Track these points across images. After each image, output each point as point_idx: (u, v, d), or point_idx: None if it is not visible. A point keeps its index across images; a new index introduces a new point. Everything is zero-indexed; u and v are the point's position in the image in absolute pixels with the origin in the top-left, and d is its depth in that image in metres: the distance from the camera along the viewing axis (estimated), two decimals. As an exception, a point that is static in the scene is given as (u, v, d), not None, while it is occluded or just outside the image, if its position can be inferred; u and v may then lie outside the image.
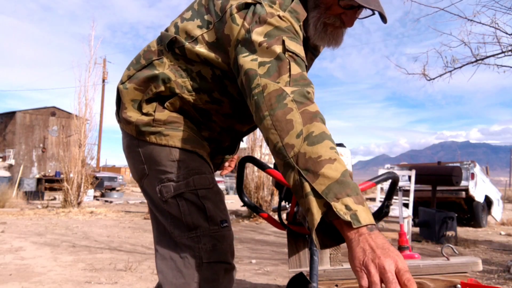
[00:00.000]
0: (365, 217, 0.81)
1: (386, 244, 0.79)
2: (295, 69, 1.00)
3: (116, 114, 1.33)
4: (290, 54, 1.02)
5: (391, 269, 0.75)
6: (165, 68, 1.19)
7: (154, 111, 1.20)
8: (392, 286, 0.73)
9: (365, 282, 0.77)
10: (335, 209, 0.81)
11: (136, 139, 1.23)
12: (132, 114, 1.22)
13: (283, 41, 1.03)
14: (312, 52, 1.33)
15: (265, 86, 0.96)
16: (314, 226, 0.84)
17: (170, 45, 1.20)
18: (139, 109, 1.21)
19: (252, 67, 1.01)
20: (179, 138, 1.19)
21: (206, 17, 1.19)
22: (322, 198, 0.83)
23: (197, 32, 1.18)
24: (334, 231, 0.89)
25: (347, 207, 0.81)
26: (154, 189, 1.20)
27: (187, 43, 1.18)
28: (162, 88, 1.19)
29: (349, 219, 0.80)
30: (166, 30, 1.27)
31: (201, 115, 1.24)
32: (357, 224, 0.80)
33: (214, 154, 1.39)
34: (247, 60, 1.03)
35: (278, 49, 1.01)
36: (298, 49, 1.04)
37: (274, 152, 0.93)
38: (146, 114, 1.20)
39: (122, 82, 1.26)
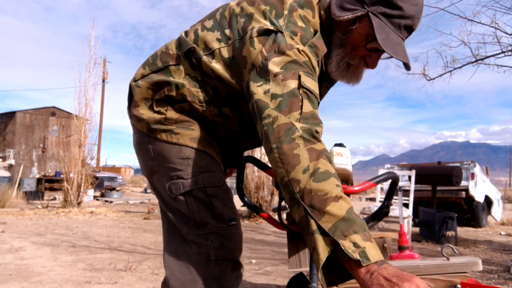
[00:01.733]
0: (374, 254, 0.80)
1: (398, 272, 0.78)
2: (307, 107, 0.99)
3: (128, 110, 1.34)
4: (305, 90, 1.00)
5: None
6: (181, 76, 1.19)
7: (166, 110, 1.20)
8: None
9: None
10: (343, 247, 0.80)
11: (146, 136, 1.23)
12: (144, 112, 1.22)
13: (299, 76, 1.01)
14: (328, 80, 1.30)
15: (276, 118, 0.96)
16: (320, 265, 0.83)
17: (188, 54, 1.20)
18: (151, 107, 1.22)
19: (263, 99, 1.00)
20: (189, 137, 1.20)
21: (227, 31, 1.17)
22: (329, 236, 0.83)
23: (215, 45, 1.17)
24: (341, 267, 0.87)
25: (355, 244, 0.81)
26: (164, 186, 1.21)
27: (204, 56, 1.17)
28: (174, 93, 1.19)
29: (358, 257, 0.79)
30: (186, 33, 1.26)
31: (207, 124, 1.24)
32: (366, 262, 0.79)
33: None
34: (259, 90, 1.02)
35: (293, 84, 1.00)
36: (313, 85, 1.03)
37: (281, 186, 0.94)
38: (158, 113, 1.21)
39: (135, 80, 1.26)
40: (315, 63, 1.09)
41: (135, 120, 1.26)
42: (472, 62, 5.67)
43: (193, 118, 1.22)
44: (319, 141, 0.96)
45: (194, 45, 1.19)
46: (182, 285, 1.15)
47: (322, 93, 1.31)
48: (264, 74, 1.04)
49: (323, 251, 0.83)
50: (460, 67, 5.82)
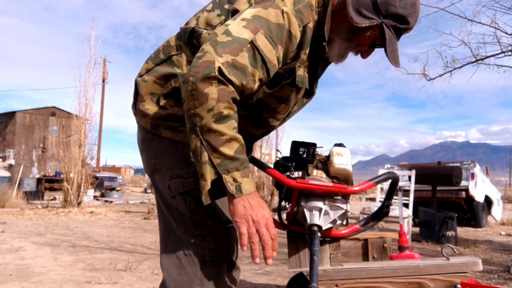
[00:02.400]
0: (247, 188, 1.02)
1: (260, 201, 1.04)
2: (244, 60, 1.03)
3: (133, 107, 1.33)
4: (254, 47, 1.04)
5: (260, 218, 1.02)
6: (183, 64, 1.21)
7: (172, 106, 1.20)
8: (263, 231, 1.02)
9: (244, 229, 1.02)
10: (224, 181, 1.01)
11: (151, 134, 1.23)
12: (150, 107, 1.22)
13: (258, 34, 1.05)
14: (325, 61, 1.34)
15: (205, 53, 1.01)
16: (205, 190, 1.02)
17: (190, 38, 1.22)
18: (157, 102, 1.22)
19: (218, 33, 1.05)
20: None
21: (226, 6, 1.21)
22: (216, 169, 1.01)
23: (217, 21, 1.20)
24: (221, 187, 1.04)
25: (234, 179, 1.01)
26: (165, 184, 1.21)
27: (204, 31, 1.19)
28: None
29: (234, 190, 1.01)
30: (186, 23, 1.28)
31: None
32: (239, 194, 1.02)
33: None
34: (222, 27, 1.07)
35: (247, 35, 1.04)
36: (267, 49, 1.07)
37: (186, 115, 1.04)
38: (164, 108, 1.21)
39: (140, 75, 1.27)
40: (295, 29, 1.12)
41: (140, 115, 1.25)
42: (472, 62, 5.67)
43: None
44: (233, 85, 1.02)
45: (194, 26, 1.22)
46: (179, 286, 1.15)
47: (321, 69, 1.35)
48: (236, 14, 1.11)
49: (209, 179, 1.01)
50: (460, 67, 5.82)
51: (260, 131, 1.36)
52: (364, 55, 1.28)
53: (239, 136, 1.04)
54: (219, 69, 0.99)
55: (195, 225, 1.16)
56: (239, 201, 1.02)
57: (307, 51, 1.18)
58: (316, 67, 1.26)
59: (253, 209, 1.02)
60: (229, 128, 1.02)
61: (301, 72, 1.21)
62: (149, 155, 1.25)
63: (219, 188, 1.05)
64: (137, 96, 1.28)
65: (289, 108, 1.32)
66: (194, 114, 1.01)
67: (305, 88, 1.28)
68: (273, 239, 1.04)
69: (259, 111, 1.26)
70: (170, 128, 1.20)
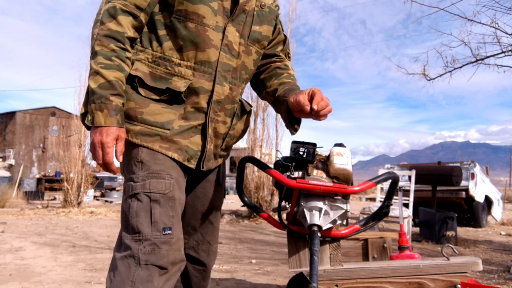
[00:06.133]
0: (97, 121, 1.16)
1: (107, 130, 1.17)
2: None
3: None
4: None
5: (96, 142, 1.18)
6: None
7: (128, 100, 1.26)
8: (98, 153, 1.19)
9: (91, 150, 1.21)
10: (89, 110, 1.18)
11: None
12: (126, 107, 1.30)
13: None
14: None
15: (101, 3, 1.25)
16: (79, 114, 1.27)
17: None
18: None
19: None
20: (150, 139, 1.24)
21: None
22: (85, 99, 1.22)
23: None
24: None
25: (91, 111, 1.17)
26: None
27: None
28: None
29: (90, 119, 1.17)
30: None
31: (166, 66, 1.27)
32: (91, 124, 1.17)
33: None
34: None
35: None
36: None
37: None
38: (127, 106, 1.27)
39: None
40: None
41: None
42: (472, 62, 5.66)
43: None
44: (113, 18, 1.21)
45: None
46: (112, 286, 1.18)
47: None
48: None
49: (83, 104, 1.24)
50: (460, 67, 5.82)
51: (209, 53, 1.28)
52: None
53: (106, 72, 1.17)
54: (103, 13, 1.22)
55: (133, 229, 1.19)
56: (92, 130, 1.18)
57: None
58: None
59: (96, 134, 1.17)
60: (95, 63, 1.18)
61: None
62: (124, 161, 1.30)
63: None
64: None
65: (208, 8, 1.26)
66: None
67: None
68: (105, 162, 1.20)
69: (184, 23, 1.26)
70: (127, 130, 1.25)
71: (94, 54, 1.19)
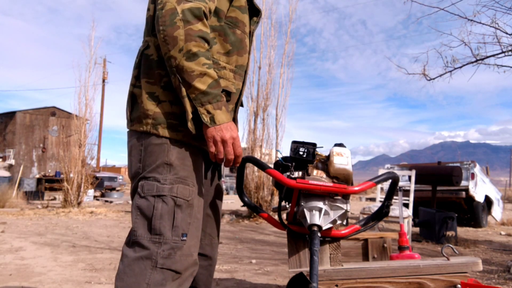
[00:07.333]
0: (220, 119, 1.17)
1: (232, 125, 1.20)
2: None
3: (128, 118, 1.35)
4: None
5: (227, 138, 1.18)
6: (154, 49, 1.27)
7: (171, 102, 1.25)
8: (229, 149, 1.20)
9: (212, 148, 1.20)
10: (199, 112, 1.17)
11: (142, 139, 1.26)
12: (150, 107, 1.25)
13: None
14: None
15: (165, 4, 1.16)
16: (188, 119, 1.19)
17: (150, 28, 1.29)
18: (157, 100, 1.26)
19: None
20: (190, 135, 1.24)
21: None
22: (192, 102, 1.17)
23: None
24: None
25: (208, 111, 1.17)
26: (138, 184, 1.25)
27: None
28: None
29: (208, 120, 1.17)
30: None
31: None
32: (212, 124, 1.17)
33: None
34: None
35: None
36: None
37: (165, 60, 1.19)
38: (164, 104, 1.25)
39: (132, 85, 1.31)
40: None
41: (137, 122, 1.28)
42: (472, 62, 5.66)
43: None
44: (200, 20, 1.17)
45: (147, 17, 1.32)
46: (125, 286, 1.19)
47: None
48: None
49: (189, 111, 1.18)
50: (460, 67, 5.82)
51: (245, 59, 1.41)
52: None
53: (211, 72, 1.18)
54: (182, 12, 1.14)
55: (154, 230, 1.19)
56: (212, 131, 1.18)
57: None
58: None
59: (223, 131, 1.18)
60: (199, 64, 1.16)
61: None
62: (135, 160, 1.28)
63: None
64: (133, 106, 1.31)
65: (248, 17, 1.41)
66: (169, 57, 1.16)
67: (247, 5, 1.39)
68: (237, 156, 1.22)
69: (233, 29, 1.34)
70: (170, 127, 1.23)
71: (193, 55, 1.15)
